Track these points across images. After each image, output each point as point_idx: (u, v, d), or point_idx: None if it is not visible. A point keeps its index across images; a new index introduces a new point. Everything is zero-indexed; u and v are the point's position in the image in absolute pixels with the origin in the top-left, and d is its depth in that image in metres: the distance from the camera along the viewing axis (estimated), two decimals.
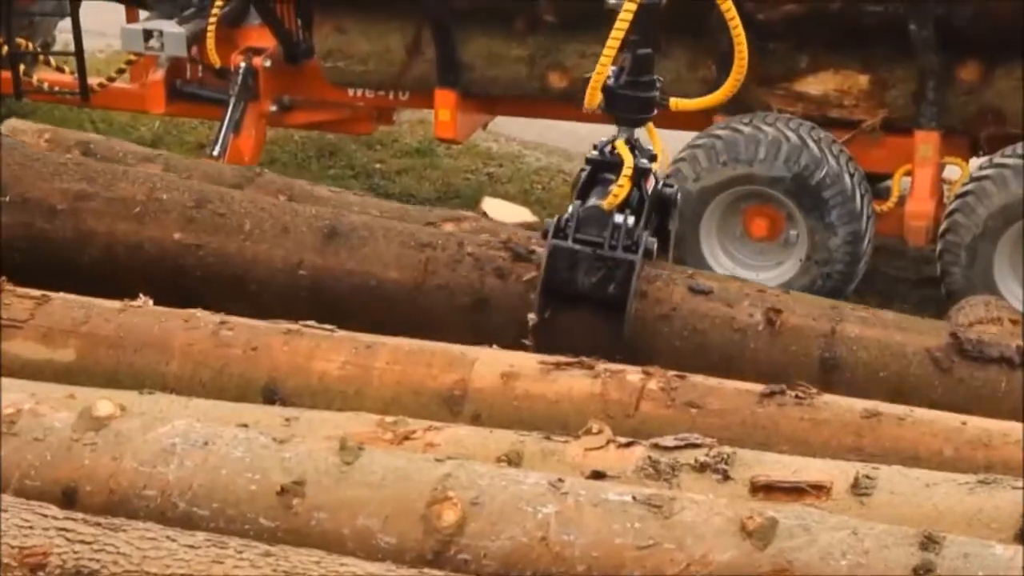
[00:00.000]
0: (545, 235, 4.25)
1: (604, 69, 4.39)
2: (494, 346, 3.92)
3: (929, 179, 7.00)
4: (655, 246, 4.32)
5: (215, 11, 7.83)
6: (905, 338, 4.17)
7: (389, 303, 4.16)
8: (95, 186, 4.33)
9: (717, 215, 7.12)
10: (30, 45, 8.48)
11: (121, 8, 8.67)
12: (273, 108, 8.04)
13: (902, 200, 7.12)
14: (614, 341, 4.06)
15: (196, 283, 4.22)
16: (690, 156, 7.00)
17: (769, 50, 7.02)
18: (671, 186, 4.60)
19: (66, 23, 8.50)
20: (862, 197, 6.88)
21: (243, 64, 7.87)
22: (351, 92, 7.96)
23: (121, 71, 8.45)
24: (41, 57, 8.55)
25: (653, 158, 4.50)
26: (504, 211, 7.17)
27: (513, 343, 4.08)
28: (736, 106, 7.06)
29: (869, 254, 7.03)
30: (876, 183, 7.34)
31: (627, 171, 4.33)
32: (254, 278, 4.20)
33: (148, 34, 7.94)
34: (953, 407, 3.93)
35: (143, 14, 8.42)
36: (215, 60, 7.88)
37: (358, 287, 4.18)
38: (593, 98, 4.39)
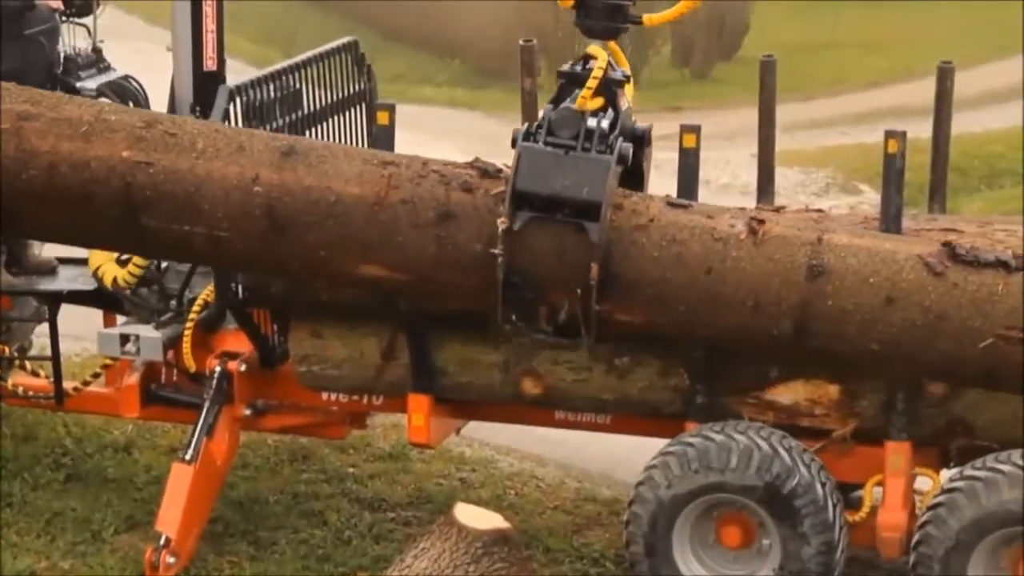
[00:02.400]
0: (514, 143, 4.03)
1: None
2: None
3: (901, 490, 7.01)
4: (630, 152, 4.07)
5: (192, 316, 7.92)
6: (895, 246, 3.98)
7: (348, 219, 3.97)
8: (39, 108, 4.22)
9: (689, 523, 7.10)
10: (6, 350, 8.54)
11: (99, 312, 8.76)
12: (247, 412, 8.06)
13: (874, 510, 7.12)
14: (586, 248, 3.83)
15: (146, 201, 4.01)
16: (662, 463, 7.02)
17: (740, 359, 7.10)
18: (644, 126, 4.33)
19: (44, 327, 8.59)
20: (834, 507, 6.88)
21: (218, 368, 7.92)
22: (325, 396, 8.01)
23: (96, 375, 8.50)
24: (17, 361, 8.60)
25: (627, 77, 4.27)
26: (477, 517, 7.13)
27: (480, 257, 3.83)
28: (708, 414, 7.11)
29: (842, 564, 6.98)
30: (848, 492, 7.34)
31: (600, 64, 4.13)
32: (207, 195, 4.08)
33: (125, 338, 8.01)
34: (947, 312, 3.74)
35: (120, 318, 8.51)
36: (191, 365, 7.94)
37: (316, 202, 4.04)
38: None
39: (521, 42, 7.36)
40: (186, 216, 4.01)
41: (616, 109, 4.11)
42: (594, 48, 4.11)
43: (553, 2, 4.47)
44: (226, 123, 7.40)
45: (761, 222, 3.97)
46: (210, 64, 7.96)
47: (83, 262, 8.54)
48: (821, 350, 4.01)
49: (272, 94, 7.77)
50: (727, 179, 17.89)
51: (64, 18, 8.79)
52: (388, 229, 3.98)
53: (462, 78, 24.26)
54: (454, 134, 20.63)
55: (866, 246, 3.97)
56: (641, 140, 4.23)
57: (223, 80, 8.12)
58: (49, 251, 9.60)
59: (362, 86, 8.55)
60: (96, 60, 8.83)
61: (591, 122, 4.07)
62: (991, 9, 27.43)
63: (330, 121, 8.47)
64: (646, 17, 4.23)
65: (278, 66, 8.03)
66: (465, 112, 22.61)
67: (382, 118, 7.16)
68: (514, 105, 7.65)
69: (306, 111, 8.12)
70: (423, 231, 4.00)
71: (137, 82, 8.74)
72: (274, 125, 7.97)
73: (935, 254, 3.92)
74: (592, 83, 4.03)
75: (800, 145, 19.32)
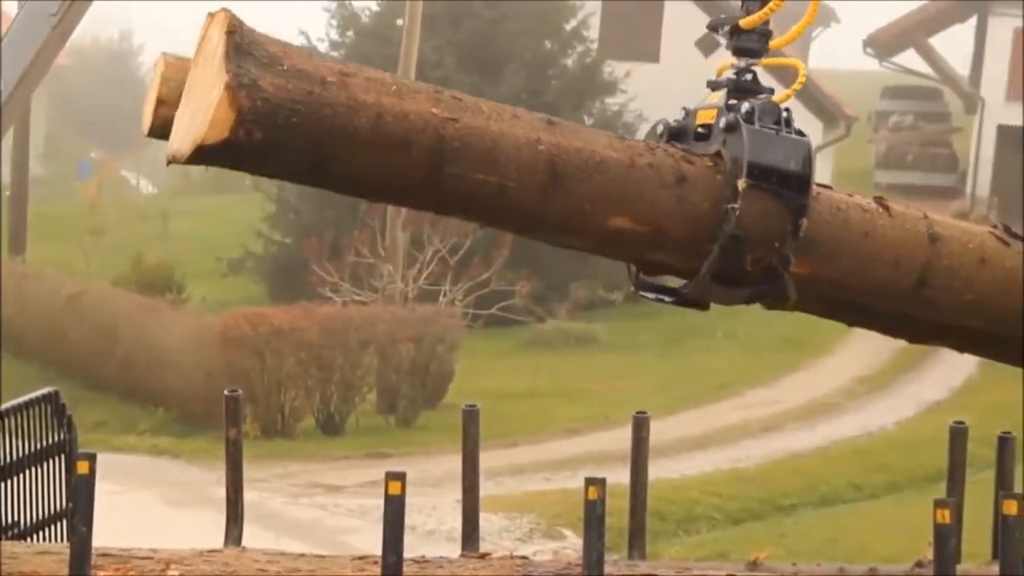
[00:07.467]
0: (728, 124, 4.84)
1: None
2: None
3: None
4: (813, 145, 5.03)
5: None
6: (969, 225, 5.04)
7: (611, 176, 4.68)
8: (350, 68, 4.59)
9: None
10: None
11: None
12: None
13: None
14: (783, 211, 4.71)
15: (454, 151, 4.52)
16: None
17: None
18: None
19: None
20: None
21: None
22: None
23: None
24: None
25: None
26: None
27: (707, 214, 4.66)
28: None
29: None
30: None
31: (802, 76, 5.13)
32: (503, 150, 4.60)
33: None
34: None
35: None
36: None
37: (586, 160, 4.67)
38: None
39: (226, 392, 7.35)
40: (485, 166, 4.62)
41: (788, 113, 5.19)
42: (790, 61, 5.22)
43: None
44: None
45: (884, 199, 5.09)
46: None
47: None
48: (930, 300, 5.06)
49: None
50: (433, 525, 17.93)
51: None
52: (640, 187, 4.77)
53: (165, 426, 24.02)
54: (154, 482, 20.28)
55: (957, 223, 5.09)
56: None
57: None
58: None
59: (61, 436, 8.40)
60: None
61: (785, 113, 5.07)
62: (681, 362, 28.72)
63: (27, 472, 8.27)
64: (743, 21, 5.14)
65: None
66: (168, 460, 22.32)
67: (82, 468, 7.01)
68: (217, 453, 7.60)
69: (1, 463, 7.92)
70: (668, 190, 4.78)
71: None
72: None
73: (998, 231, 5.14)
74: (801, 79, 5.16)
75: (505, 490, 19.58)
